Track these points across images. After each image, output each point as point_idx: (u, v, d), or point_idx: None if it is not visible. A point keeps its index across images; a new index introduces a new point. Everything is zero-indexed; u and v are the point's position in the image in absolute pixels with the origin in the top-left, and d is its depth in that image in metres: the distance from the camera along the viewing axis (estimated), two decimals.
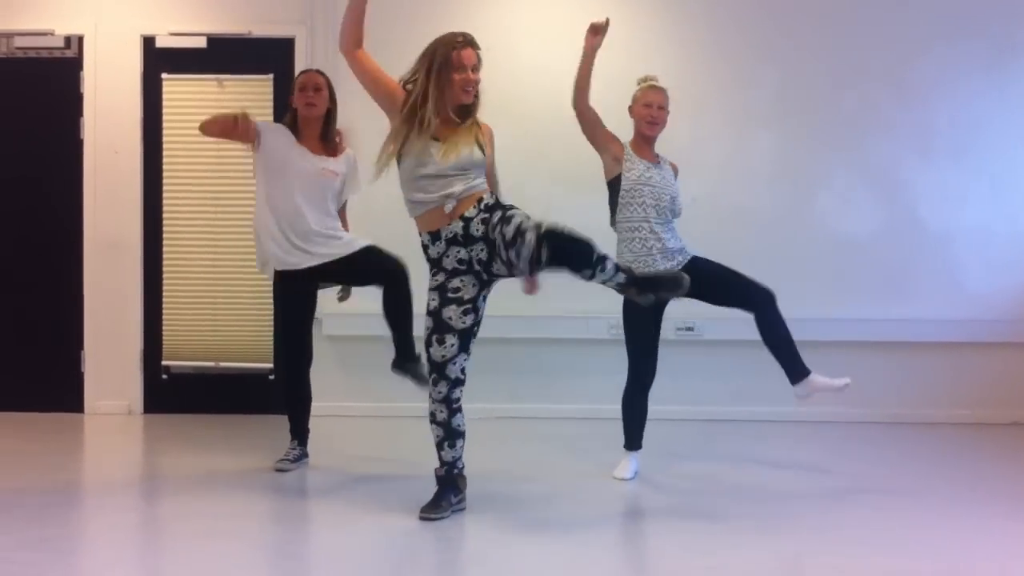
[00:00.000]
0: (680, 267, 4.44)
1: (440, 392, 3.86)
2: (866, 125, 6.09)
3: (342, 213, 4.86)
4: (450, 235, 3.85)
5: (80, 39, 6.15)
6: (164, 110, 6.16)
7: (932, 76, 6.09)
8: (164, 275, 6.17)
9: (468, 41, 3.89)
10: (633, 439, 4.66)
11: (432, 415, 3.90)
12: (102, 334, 6.15)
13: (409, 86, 3.86)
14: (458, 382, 3.87)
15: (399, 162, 3.88)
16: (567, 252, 3.64)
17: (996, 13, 6.08)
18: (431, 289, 3.90)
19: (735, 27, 6.09)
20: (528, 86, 5.98)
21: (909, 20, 6.08)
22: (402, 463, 4.81)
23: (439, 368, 3.85)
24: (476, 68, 3.88)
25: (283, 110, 6.03)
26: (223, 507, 4.06)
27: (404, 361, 4.62)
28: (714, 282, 4.48)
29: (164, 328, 6.17)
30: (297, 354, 4.74)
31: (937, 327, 6.03)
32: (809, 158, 6.10)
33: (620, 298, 4.29)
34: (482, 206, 3.85)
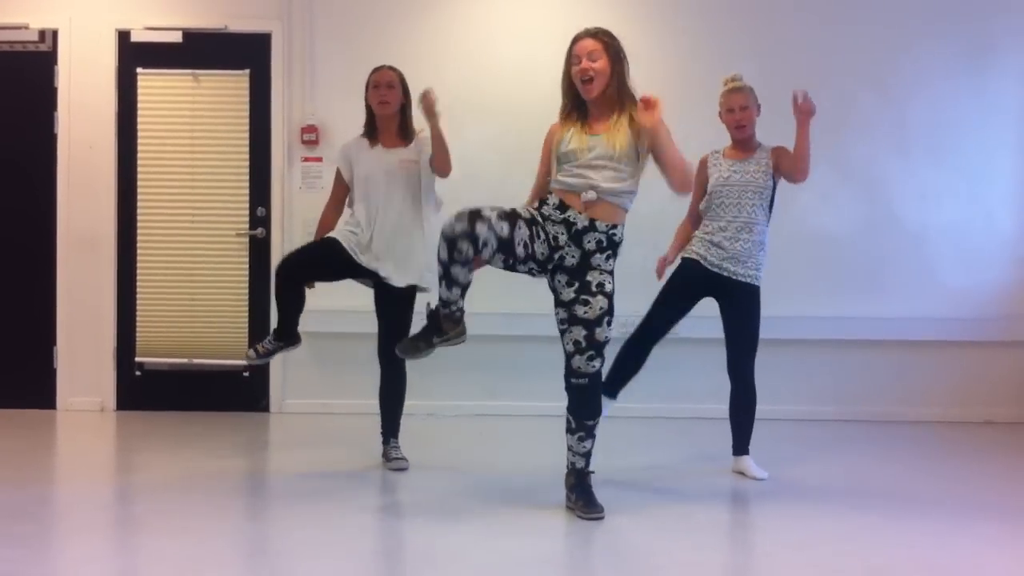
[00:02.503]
0: (723, 278, 4.49)
1: (454, 229, 3.60)
2: (845, 123, 6.08)
3: None
4: (572, 220, 3.77)
5: (55, 33, 6.09)
6: (139, 105, 6.09)
7: (911, 75, 6.11)
8: (138, 271, 6.10)
9: (588, 32, 3.86)
10: (614, 385, 4.53)
11: (437, 252, 3.70)
12: (75, 330, 6.08)
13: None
14: (476, 240, 3.60)
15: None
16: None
17: (974, 13, 6.10)
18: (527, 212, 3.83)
19: (714, 25, 6.09)
20: (510, 84, 5.99)
21: (888, 19, 6.09)
22: (378, 459, 4.76)
23: (476, 211, 3.61)
24: (593, 56, 3.78)
25: (260, 105, 6.06)
26: (198, 504, 4.02)
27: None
28: (733, 328, 4.53)
29: (137, 324, 6.10)
30: (306, 262, 4.57)
31: (913, 325, 6.04)
32: None
33: None
34: (611, 232, 3.78)
